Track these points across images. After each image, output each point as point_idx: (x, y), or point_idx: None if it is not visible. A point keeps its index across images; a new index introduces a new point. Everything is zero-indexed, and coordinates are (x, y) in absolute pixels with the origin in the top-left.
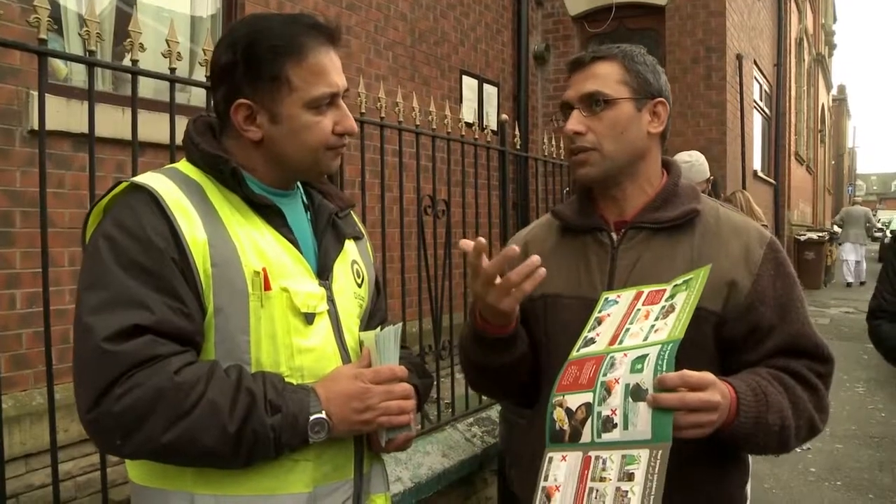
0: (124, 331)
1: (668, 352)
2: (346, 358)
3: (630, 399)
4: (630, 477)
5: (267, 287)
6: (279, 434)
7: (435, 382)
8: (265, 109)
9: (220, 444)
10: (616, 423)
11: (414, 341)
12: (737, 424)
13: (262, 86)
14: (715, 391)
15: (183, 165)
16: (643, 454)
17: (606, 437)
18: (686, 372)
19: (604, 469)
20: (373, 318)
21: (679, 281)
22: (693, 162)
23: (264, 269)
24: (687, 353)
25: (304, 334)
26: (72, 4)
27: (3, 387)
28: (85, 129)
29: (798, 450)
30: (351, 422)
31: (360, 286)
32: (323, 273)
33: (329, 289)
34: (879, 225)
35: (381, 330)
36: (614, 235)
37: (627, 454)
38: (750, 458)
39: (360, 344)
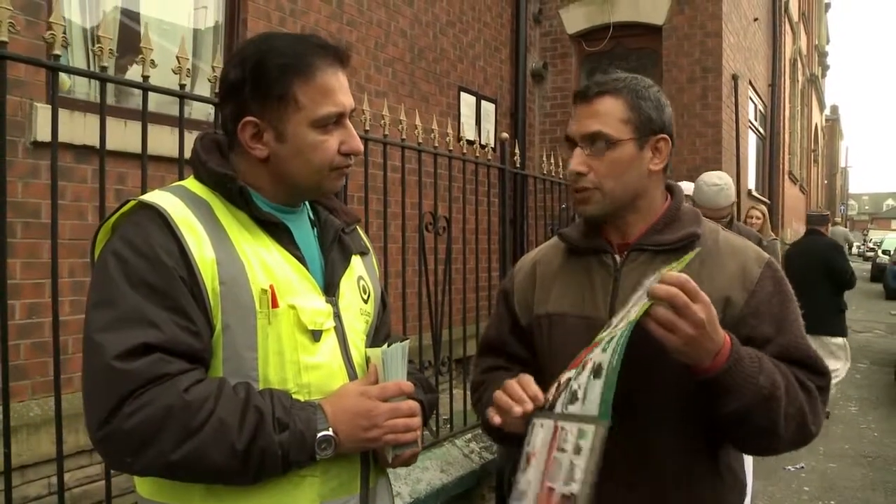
0: (134, 349)
1: (625, 335)
2: (352, 374)
3: (592, 376)
4: (578, 450)
5: (274, 304)
6: (287, 451)
7: None
8: (272, 128)
9: (229, 461)
10: (578, 398)
11: (413, 356)
12: (725, 369)
13: (269, 104)
14: (706, 310)
15: (191, 183)
16: (590, 430)
17: (571, 409)
18: (689, 279)
19: (565, 440)
20: (378, 333)
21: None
22: (723, 186)
23: (272, 287)
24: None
25: (312, 351)
26: (76, 18)
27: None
28: (87, 141)
29: (791, 468)
30: (357, 439)
31: (366, 302)
32: (329, 289)
33: (336, 305)
34: (871, 245)
35: (388, 346)
36: (617, 257)
37: (581, 428)
38: (749, 479)
39: (367, 360)
